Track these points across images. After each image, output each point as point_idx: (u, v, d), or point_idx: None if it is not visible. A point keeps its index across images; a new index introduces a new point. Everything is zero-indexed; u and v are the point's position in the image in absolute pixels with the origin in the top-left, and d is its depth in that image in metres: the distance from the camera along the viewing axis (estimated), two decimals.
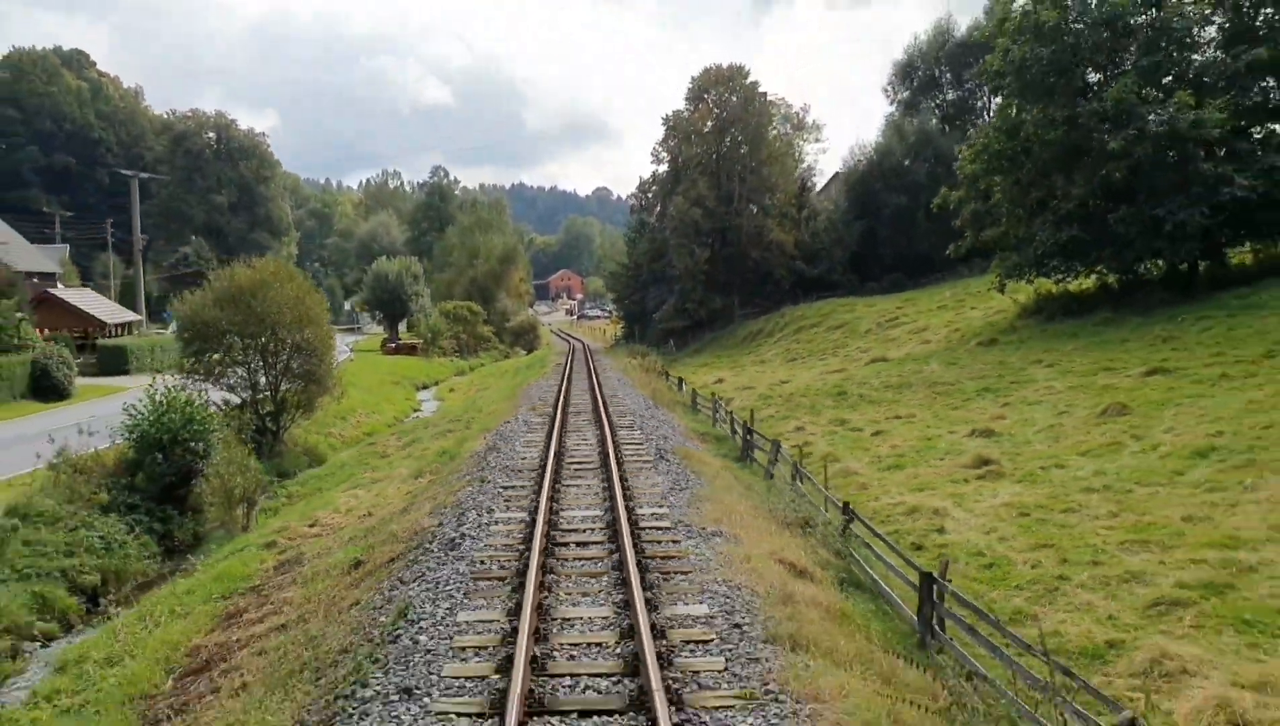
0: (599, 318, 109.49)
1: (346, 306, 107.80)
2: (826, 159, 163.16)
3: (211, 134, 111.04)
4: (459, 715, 7.01)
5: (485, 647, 8.39)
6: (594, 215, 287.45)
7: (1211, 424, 17.20)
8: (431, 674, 7.86)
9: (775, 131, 63.75)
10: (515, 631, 8.39)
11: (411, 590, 10.54)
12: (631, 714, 6.91)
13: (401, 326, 77.95)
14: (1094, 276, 35.19)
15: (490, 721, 6.87)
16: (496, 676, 7.65)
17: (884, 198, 58.09)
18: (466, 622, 9.14)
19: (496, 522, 13.26)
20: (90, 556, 17.84)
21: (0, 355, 37.26)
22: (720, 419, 26.56)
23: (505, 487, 15.76)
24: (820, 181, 70.97)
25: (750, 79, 61.82)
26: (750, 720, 6.80)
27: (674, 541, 11.94)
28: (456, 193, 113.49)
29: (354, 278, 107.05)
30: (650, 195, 66.11)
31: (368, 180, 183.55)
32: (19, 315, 40.86)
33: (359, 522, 17.91)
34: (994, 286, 37.30)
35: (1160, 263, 33.38)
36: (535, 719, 6.87)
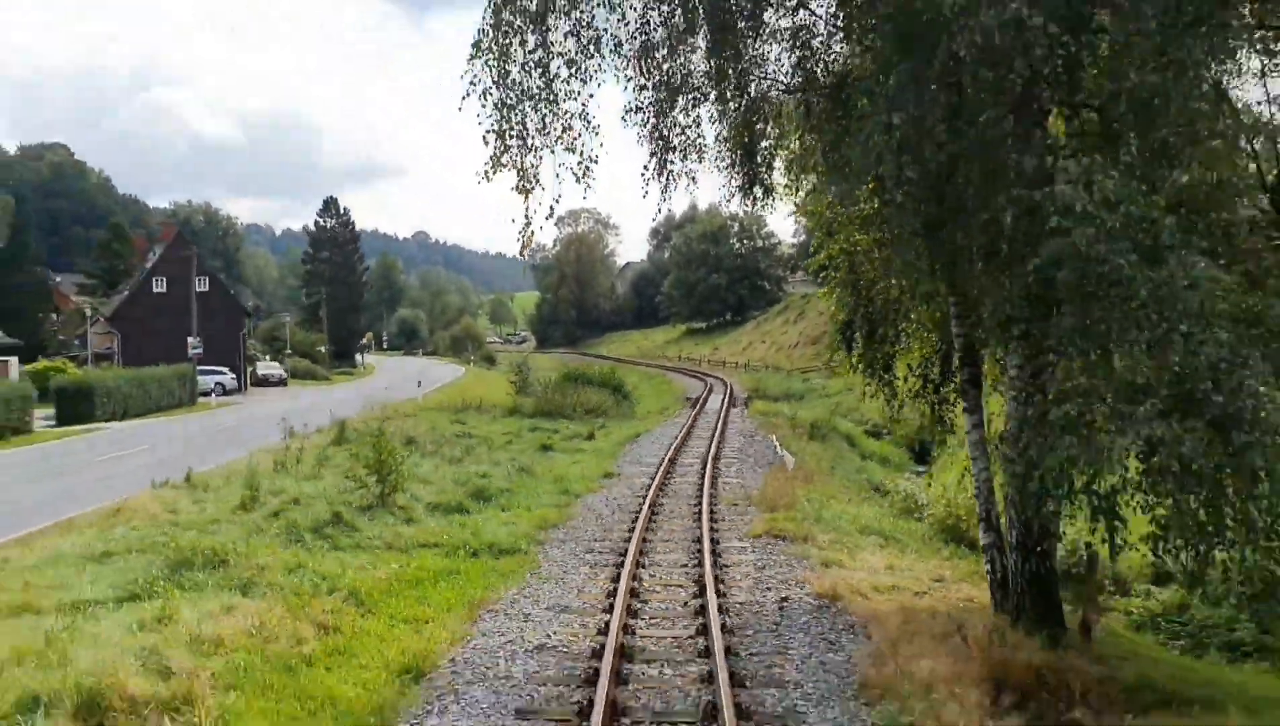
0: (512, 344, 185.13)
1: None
2: (625, 245, 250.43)
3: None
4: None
5: None
6: (414, 256, 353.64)
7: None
8: None
9: (596, 237, 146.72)
10: None
11: None
12: None
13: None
14: None
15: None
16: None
17: (649, 291, 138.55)
18: None
19: None
20: None
21: None
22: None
23: None
24: (620, 260, 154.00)
25: (592, 233, 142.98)
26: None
27: None
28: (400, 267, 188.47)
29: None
30: (548, 286, 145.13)
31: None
32: None
33: None
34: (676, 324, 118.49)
35: None
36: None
